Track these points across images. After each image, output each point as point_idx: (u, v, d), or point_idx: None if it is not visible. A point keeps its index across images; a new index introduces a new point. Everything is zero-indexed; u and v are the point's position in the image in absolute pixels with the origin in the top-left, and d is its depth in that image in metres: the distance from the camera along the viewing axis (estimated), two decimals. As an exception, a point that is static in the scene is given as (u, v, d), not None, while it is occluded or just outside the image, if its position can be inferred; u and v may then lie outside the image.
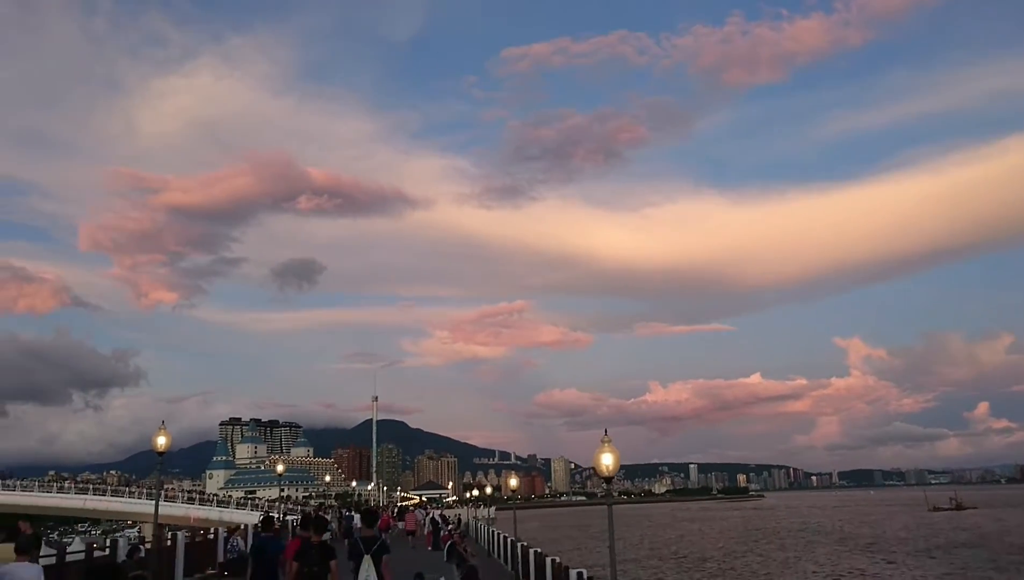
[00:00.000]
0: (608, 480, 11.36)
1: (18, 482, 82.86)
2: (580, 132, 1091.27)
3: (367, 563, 10.76)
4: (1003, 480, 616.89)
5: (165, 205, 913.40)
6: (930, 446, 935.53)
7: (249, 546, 12.89)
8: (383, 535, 12.57)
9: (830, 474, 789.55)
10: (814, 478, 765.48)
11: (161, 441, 17.96)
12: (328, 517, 17.18)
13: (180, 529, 32.87)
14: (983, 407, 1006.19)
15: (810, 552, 56.59)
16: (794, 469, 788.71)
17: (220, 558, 23.96)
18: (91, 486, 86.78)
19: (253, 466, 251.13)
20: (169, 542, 21.92)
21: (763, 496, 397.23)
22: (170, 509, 72.35)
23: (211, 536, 25.34)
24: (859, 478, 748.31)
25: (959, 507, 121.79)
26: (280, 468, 45.49)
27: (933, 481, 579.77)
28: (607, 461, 11.35)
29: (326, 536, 12.43)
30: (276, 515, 41.64)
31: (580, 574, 16.33)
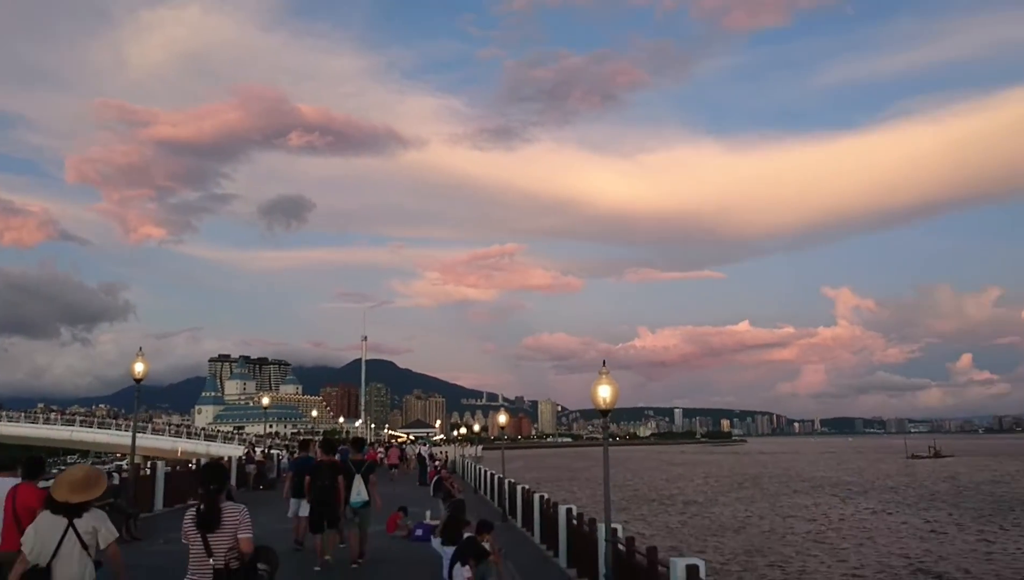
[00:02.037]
0: (605, 413, 10.79)
1: (4, 413, 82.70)
2: (577, 73, 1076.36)
3: (358, 481, 12.95)
4: (981, 430, 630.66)
5: (153, 139, 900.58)
6: (912, 396, 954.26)
7: (291, 464, 15.26)
8: (368, 463, 13.98)
9: (812, 421, 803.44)
10: (796, 425, 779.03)
11: (139, 368, 17.34)
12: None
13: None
14: (966, 359, 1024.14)
15: (789, 496, 57.25)
16: (777, 415, 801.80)
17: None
18: (78, 418, 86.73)
19: (242, 402, 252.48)
20: (148, 471, 21.51)
21: (745, 441, 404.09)
22: (157, 442, 72.49)
23: (193, 467, 24.99)
24: (840, 426, 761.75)
25: (937, 455, 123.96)
26: (266, 401, 45.15)
27: (913, 430, 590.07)
28: (604, 393, 10.76)
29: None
30: (262, 449, 41.82)
31: (569, 510, 15.98)
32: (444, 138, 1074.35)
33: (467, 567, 10.04)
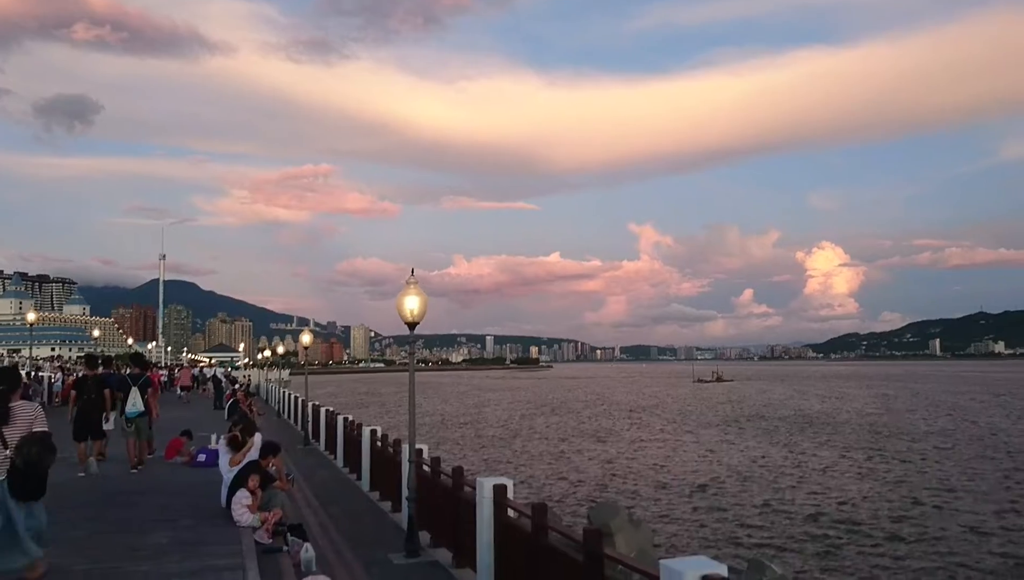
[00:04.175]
0: (412, 326, 9.87)
1: None
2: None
3: (134, 392, 13.99)
4: (756, 358, 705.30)
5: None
6: (700, 326, 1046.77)
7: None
8: (145, 377, 14.92)
9: (613, 348, 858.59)
10: (599, 351, 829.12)
11: None
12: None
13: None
14: (748, 294, 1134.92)
15: (593, 419, 60.23)
16: (582, 343, 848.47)
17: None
18: None
19: (17, 323, 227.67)
20: None
21: (551, 366, 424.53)
22: (-95, 365, 63.38)
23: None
24: (637, 353, 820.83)
25: (719, 379, 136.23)
26: (31, 317, 39.43)
27: (699, 357, 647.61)
28: (412, 305, 9.82)
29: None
30: (27, 370, 37.40)
31: (373, 432, 15.19)
32: (255, 46, 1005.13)
33: (248, 494, 8.90)
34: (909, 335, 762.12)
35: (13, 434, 6.45)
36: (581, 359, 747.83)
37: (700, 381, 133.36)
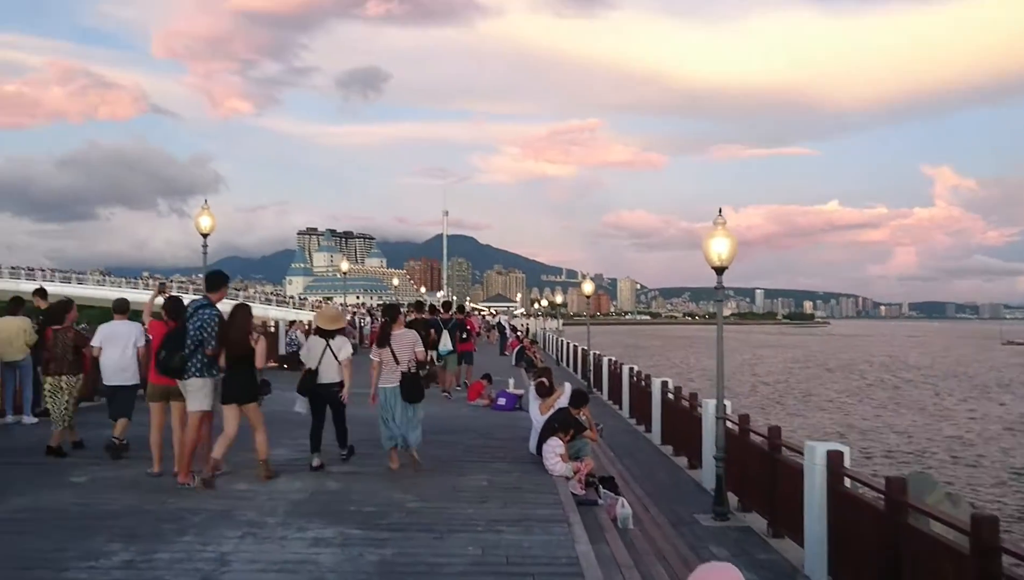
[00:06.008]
0: (719, 271, 9.12)
1: (109, 278, 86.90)
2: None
3: (445, 334, 16.83)
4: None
5: (234, 9, 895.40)
6: (1010, 281, 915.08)
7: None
8: (454, 321, 17.81)
9: (900, 305, 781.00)
10: (883, 308, 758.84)
11: (205, 222, 16.44)
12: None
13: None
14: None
15: (898, 387, 55.03)
16: (863, 298, 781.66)
17: (281, 351, 23.58)
18: (172, 283, 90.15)
19: (330, 274, 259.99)
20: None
21: (828, 323, 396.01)
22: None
23: (272, 329, 24.79)
24: (930, 310, 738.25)
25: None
26: (344, 266, 44.60)
27: (1008, 316, 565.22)
28: (719, 248, 9.03)
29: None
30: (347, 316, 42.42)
31: (664, 383, 14.71)
32: (524, 5, 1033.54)
33: (561, 443, 8.86)
34: None
35: (400, 352, 8.92)
36: (862, 316, 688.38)
37: (1010, 343, 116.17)
